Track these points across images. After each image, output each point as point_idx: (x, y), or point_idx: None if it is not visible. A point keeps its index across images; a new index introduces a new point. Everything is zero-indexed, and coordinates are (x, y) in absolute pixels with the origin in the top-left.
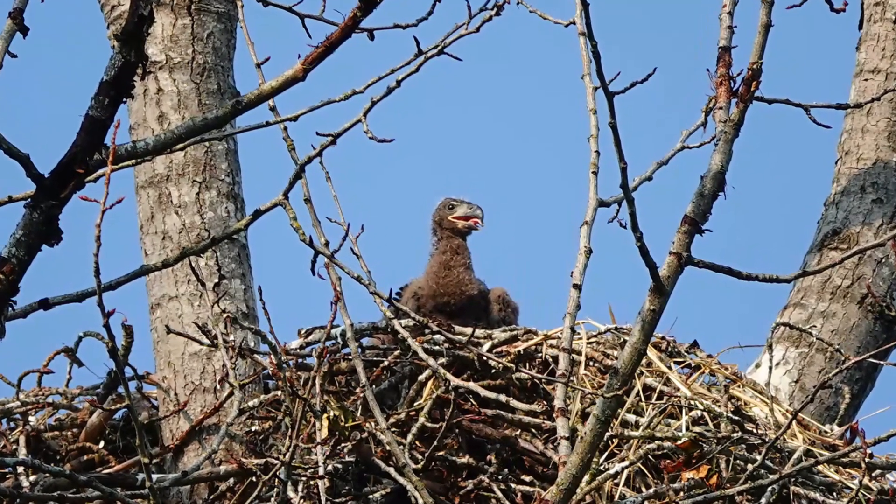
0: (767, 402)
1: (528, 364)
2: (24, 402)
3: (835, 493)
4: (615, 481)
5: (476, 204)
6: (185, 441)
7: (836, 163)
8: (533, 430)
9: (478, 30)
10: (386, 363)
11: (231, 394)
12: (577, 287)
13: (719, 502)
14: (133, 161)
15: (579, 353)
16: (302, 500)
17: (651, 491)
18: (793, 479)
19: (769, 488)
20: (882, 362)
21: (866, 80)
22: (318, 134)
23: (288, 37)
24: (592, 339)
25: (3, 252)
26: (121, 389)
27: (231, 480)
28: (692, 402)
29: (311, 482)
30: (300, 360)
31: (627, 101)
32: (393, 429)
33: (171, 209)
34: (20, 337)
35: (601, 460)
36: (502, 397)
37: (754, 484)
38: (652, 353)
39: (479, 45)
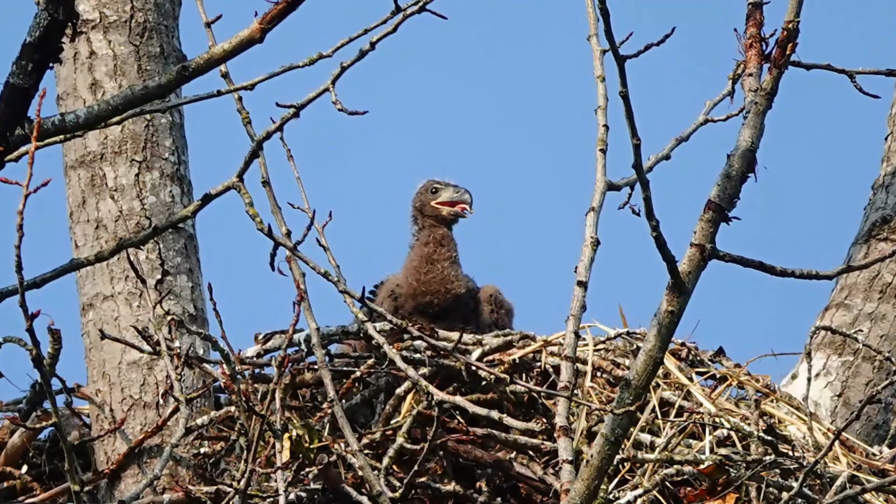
0: (805, 420)
1: (524, 375)
2: None
3: None
4: None
5: (463, 187)
6: (123, 465)
7: (887, 138)
8: (530, 453)
9: None
10: (358, 374)
11: (176, 410)
12: (583, 284)
13: None
14: (61, 137)
15: (585, 362)
16: None
17: None
18: None
19: None
20: None
21: None
22: (278, 105)
23: None
24: (600, 346)
25: None
26: (47, 405)
27: None
28: (717, 420)
29: None
30: (257, 371)
31: (641, 67)
32: (366, 451)
33: (106, 193)
34: None
35: (611, 488)
36: (494, 414)
37: None
38: (670, 363)
39: (469, 3)
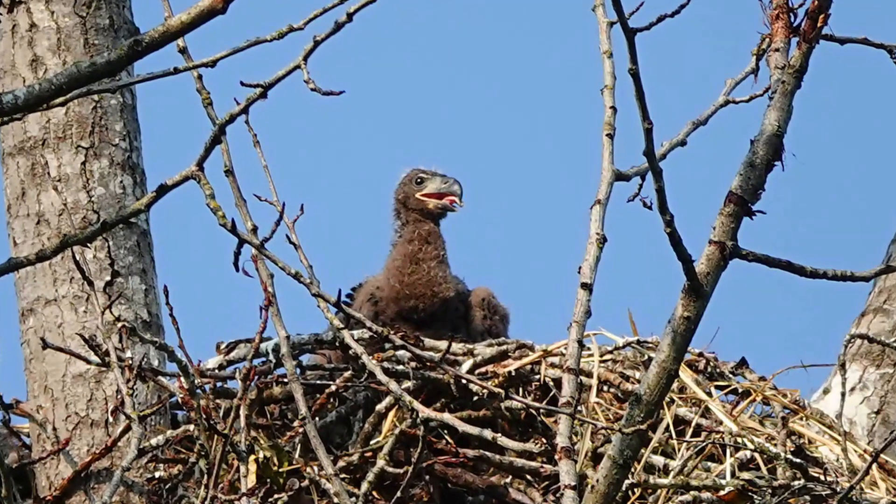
0: (839, 440)
1: (521, 389)
2: None
3: None
4: None
5: (452, 177)
6: (67, 491)
7: None
8: (528, 477)
9: None
10: (333, 388)
11: (128, 428)
12: (587, 287)
13: None
14: None
15: (589, 375)
16: None
17: None
18: None
19: None
20: None
21: None
22: (243, 84)
23: None
24: (607, 357)
25: None
26: None
27: None
28: (739, 440)
29: None
30: (220, 385)
31: (653, 41)
32: (343, 475)
33: (49, 184)
34: None
35: None
36: (488, 433)
37: None
38: (686, 375)
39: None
